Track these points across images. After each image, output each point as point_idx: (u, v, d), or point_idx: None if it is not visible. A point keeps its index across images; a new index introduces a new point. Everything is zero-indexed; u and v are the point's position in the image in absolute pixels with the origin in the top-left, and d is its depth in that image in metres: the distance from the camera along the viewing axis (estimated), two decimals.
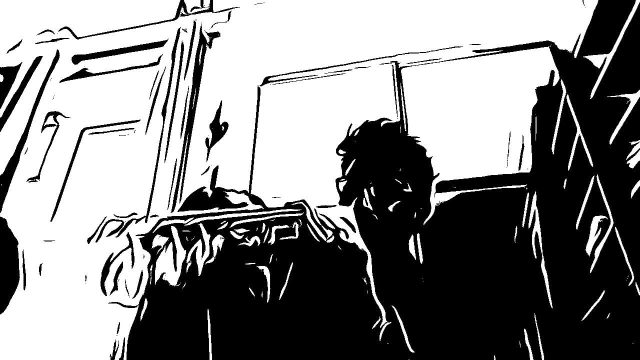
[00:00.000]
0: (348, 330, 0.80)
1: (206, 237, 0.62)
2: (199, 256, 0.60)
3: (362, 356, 0.77)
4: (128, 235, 0.58)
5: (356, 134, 1.10)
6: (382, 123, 1.10)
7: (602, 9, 1.53)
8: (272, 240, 0.72)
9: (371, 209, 0.95)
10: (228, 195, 0.77)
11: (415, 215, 1.03)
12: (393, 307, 0.81)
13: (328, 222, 0.81)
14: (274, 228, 0.73)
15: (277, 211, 0.75)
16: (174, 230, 0.59)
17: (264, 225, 0.71)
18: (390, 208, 0.98)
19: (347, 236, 0.81)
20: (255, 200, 0.81)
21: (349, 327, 0.80)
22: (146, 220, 1.75)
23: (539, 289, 1.34)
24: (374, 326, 0.78)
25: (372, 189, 0.98)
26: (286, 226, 0.74)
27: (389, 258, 0.93)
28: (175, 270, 0.59)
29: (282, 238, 0.73)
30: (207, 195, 0.75)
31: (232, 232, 0.66)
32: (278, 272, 0.82)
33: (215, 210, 0.65)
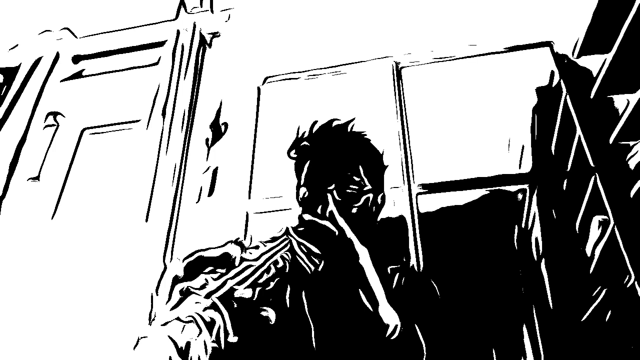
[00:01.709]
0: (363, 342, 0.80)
1: (225, 313, 0.63)
2: (222, 337, 0.62)
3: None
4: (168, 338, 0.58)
5: (306, 135, 1.09)
6: (332, 123, 1.09)
7: (602, 9, 1.53)
8: (272, 285, 0.74)
9: (336, 214, 0.96)
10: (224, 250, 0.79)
11: (374, 210, 1.04)
12: (405, 311, 0.81)
13: (314, 248, 0.82)
14: (271, 272, 0.75)
15: (268, 255, 0.77)
16: (198, 318, 0.60)
17: (264, 274, 0.73)
18: (354, 210, 0.98)
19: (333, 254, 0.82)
20: (239, 245, 0.83)
21: (363, 339, 0.80)
22: (147, 220, 1.75)
23: (539, 289, 1.34)
24: (389, 331, 0.78)
25: (335, 192, 0.98)
26: (280, 265, 0.76)
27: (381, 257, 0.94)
28: (204, 357, 0.60)
29: (277, 278, 0.76)
30: (205, 269, 0.76)
31: (241, 295, 0.68)
32: (280, 308, 0.83)
33: (217, 282, 0.67)
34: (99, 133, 2.09)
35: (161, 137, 1.93)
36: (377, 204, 1.04)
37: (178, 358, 0.57)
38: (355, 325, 0.81)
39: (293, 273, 0.78)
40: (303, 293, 0.83)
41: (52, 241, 1.83)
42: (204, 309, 0.62)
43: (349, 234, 0.87)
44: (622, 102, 1.48)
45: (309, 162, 1.04)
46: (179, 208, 1.77)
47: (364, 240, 0.92)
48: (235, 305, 0.66)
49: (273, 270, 0.75)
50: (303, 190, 1.03)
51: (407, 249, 1.45)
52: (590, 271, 1.34)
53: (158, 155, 1.89)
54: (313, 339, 0.79)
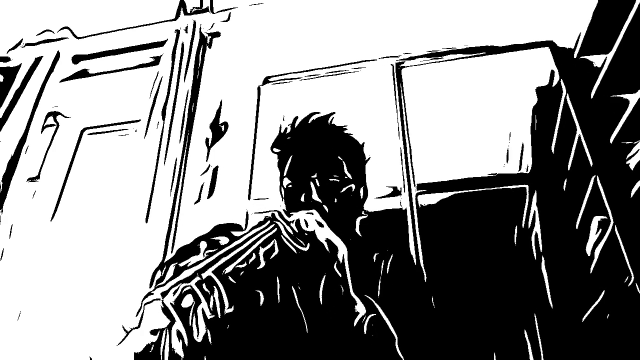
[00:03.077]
0: (333, 329, 0.82)
1: (221, 286, 0.66)
2: (219, 308, 0.66)
3: (350, 354, 0.80)
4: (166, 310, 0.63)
5: (288, 130, 1.12)
6: (312, 117, 1.12)
7: (602, 9, 1.53)
8: (262, 264, 0.78)
9: (321, 202, 0.98)
10: (217, 240, 0.83)
11: (356, 200, 1.06)
12: (372, 300, 0.84)
13: (300, 229, 0.86)
14: (261, 252, 0.78)
15: (256, 237, 0.81)
16: (196, 288, 0.65)
17: (253, 253, 0.77)
18: (336, 199, 1.00)
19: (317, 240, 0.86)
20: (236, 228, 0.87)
21: (333, 326, 0.83)
22: (146, 221, 1.75)
23: (539, 289, 1.34)
24: (356, 321, 0.81)
25: (317, 181, 1.01)
26: (269, 246, 0.81)
27: (358, 249, 0.96)
28: (202, 325, 0.65)
29: (268, 258, 0.79)
30: (199, 250, 0.81)
31: (234, 272, 0.72)
32: (271, 290, 0.86)
33: (209, 259, 0.71)
34: (99, 133, 2.10)
35: (161, 137, 1.93)
36: (359, 195, 1.07)
37: (181, 325, 0.61)
38: (330, 309, 0.85)
39: (280, 253, 0.82)
40: (293, 289, 0.86)
41: (52, 241, 1.83)
42: (200, 282, 0.65)
43: (328, 233, 0.89)
44: (622, 102, 1.48)
45: (291, 156, 1.07)
46: (179, 208, 1.77)
47: (345, 232, 0.95)
48: (229, 280, 0.69)
49: (262, 251, 0.79)
50: (286, 181, 1.06)
51: (400, 242, 1.45)
52: (590, 271, 1.34)
53: (158, 156, 1.89)
54: (306, 326, 0.82)
